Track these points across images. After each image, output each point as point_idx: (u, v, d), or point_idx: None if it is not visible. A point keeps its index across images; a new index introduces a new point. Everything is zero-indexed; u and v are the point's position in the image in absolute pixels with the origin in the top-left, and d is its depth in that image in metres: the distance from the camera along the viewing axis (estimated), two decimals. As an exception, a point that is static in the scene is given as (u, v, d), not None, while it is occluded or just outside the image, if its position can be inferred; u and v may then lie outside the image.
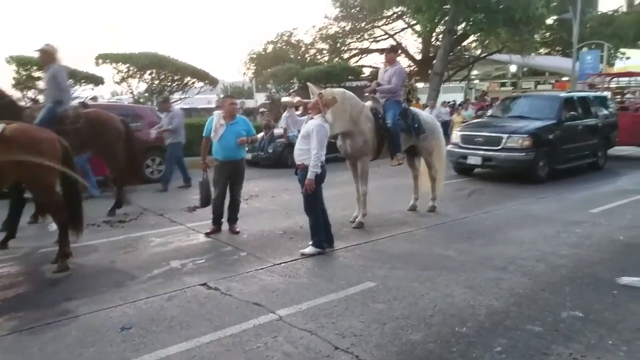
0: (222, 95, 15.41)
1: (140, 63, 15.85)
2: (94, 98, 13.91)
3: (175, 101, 17.28)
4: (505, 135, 10.16)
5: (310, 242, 5.79)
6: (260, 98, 21.47)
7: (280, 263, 5.47)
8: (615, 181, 10.63)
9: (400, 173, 10.17)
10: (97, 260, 5.68)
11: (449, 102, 22.81)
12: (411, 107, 7.88)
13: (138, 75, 16.19)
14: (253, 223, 7.11)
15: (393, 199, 8.46)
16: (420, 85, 27.14)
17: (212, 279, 4.97)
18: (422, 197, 8.01)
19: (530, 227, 6.90)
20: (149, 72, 16.21)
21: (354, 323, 4.00)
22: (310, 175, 5.55)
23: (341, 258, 5.71)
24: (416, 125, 7.54)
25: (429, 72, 24.10)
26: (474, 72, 34.96)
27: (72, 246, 5.50)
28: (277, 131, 13.15)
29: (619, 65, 30.76)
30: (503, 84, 35.46)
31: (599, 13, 38.98)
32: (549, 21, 28.07)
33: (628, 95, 16.60)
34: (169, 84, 16.74)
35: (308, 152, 5.55)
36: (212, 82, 17.87)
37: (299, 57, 27.42)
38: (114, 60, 15.91)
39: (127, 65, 15.96)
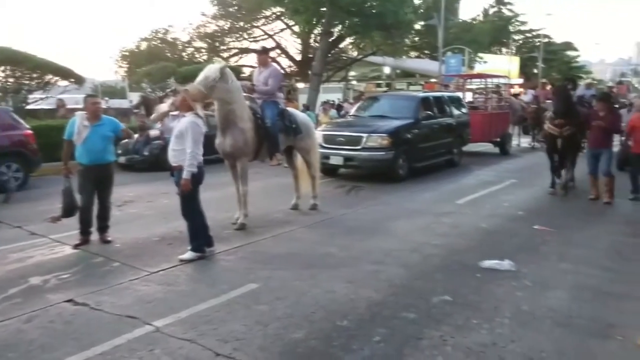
0: (57, 97, 14.33)
1: (-10, 58, 14.15)
2: None
3: (35, 101, 15.73)
4: (365, 135, 10.12)
5: (189, 247, 5.56)
6: (135, 98, 20.26)
7: (158, 271, 5.18)
8: (476, 174, 11.62)
9: (282, 173, 10.22)
10: (-62, 284, 4.93)
11: (328, 101, 23.38)
12: (288, 108, 7.98)
13: (-12, 73, 14.45)
14: (127, 231, 6.67)
15: (275, 199, 8.45)
16: (300, 85, 27.61)
17: (80, 294, 4.55)
18: (303, 196, 8.10)
19: (405, 220, 7.29)
20: (1, 68, 14.52)
21: (236, 327, 3.90)
22: (186, 175, 5.30)
23: (223, 261, 5.56)
24: (294, 126, 7.63)
25: (309, 72, 24.54)
26: (352, 73, 36.30)
27: None
28: (153, 132, 12.49)
29: (479, 68, 33.83)
30: (379, 85, 37.26)
31: (460, 21, 42.65)
32: (418, 27, 30.09)
33: (475, 95, 17.79)
34: (27, 82, 15.11)
35: (183, 152, 5.31)
36: (78, 80, 16.45)
37: (175, 56, 26.42)
38: (-42, 55, 14.04)
39: (-25, 61, 14.17)
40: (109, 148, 6.14)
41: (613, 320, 4.04)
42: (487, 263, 5.31)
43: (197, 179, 5.44)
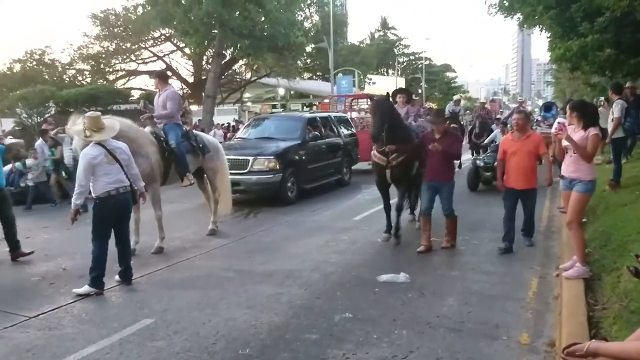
0: None
1: None
2: None
3: None
4: (251, 158, 9.82)
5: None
6: (8, 124, 18.49)
7: (38, 315, 4.70)
8: (370, 191, 11.95)
9: (180, 198, 9.90)
10: None
11: (222, 124, 23.13)
12: (193, 130, 8.03)
13: None
14: (0, 272, 6.01)
15: (171, 226, 8.07)
16: (194, 108, 27.03)
17: (-59, 350, 3.99)
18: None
19: (305, 239, 7.33)
20: None
21: (129, 368, 3.64)
22: (72, 206, 5.22)
23: (114, 297, 5.19)
24: (201, 145, 7.69)
25: (202, 94, 24.15)
26: (247, 94, 36.28)
27: None
28: (30, 162, 11.46)
29: (368, 89, 35.42)
30: (274, 106, 37.61)
31: (348, 44, 44.58)
32: (309, 49, 30.97)
33: (354, 114, 17.79)
34: None
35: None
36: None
37: (55, 78, 24.64)
38: None
39: None
40: None
41: (498, 321, 4.35)
42: (384, 277, 5.47)
43: (100, 209, 5.25)
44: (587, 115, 5.16)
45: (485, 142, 13.01)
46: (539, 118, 16.60)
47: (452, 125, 14.11)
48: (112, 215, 5.33)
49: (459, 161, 14.23)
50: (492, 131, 13.71)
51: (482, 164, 10.82)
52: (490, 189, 10.73)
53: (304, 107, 35.02)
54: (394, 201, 7.13)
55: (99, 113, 5.57)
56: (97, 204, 5.25)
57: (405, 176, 6.93)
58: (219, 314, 4.61)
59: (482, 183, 10.81)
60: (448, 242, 6.66)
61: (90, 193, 5.27)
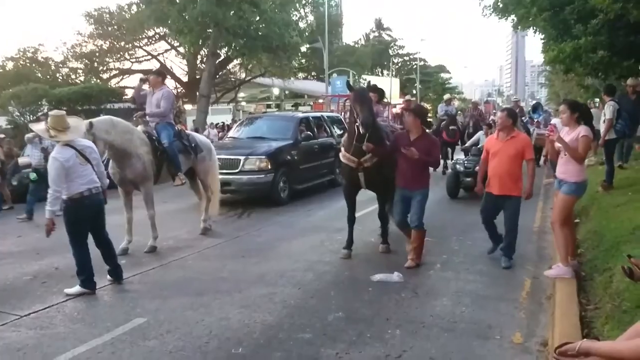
0: None
1: None
2: None
3: None
4: (242, 158, 9.70)
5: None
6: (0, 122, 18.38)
7: (30, 314, 4.67)
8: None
9: (173, 198, 9.86)
10: None
11: (217, 123, 23.10)
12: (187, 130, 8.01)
13: None
14: (-8, 271, 5.96)
15: (164, 226, 8.04)
16: (188, 107, 26.92)
17: None
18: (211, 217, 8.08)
19: (298, 239, 7.32)
20: None
21: (121, 368, 3.62)
22: (46, 214, 4.96)
23: (106, 296, 5.17)
24: (193, 145, 7.68)
25: (197, 94, 24.09)
26: (241, 94, 36.20)
27: None
28: (23, 160, 11.39)
29: (363, 89, 35.34)
30: (269, 106, 37.59)
31: (343, 44, 44.68)
32: (304, 49, 30.96)
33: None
34: None
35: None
36: None
37: (48, 77, 24.48)
38: None
39: None
40: None
41: (491, 321, 4.36)
42: (378, 277, 5.47)
43: (73, 212, 5.05)
44: (578, 111, 5.19)
45: (467, 144, 12.31)
46: (528, 119, 16.60)
47: (451, 128, 14.15)
48: (86, 217, 5.12)
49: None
50: None
51: (462, 169, 10.12)
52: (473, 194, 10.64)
53: (298, 107, 35.03)
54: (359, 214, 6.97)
55: (64, 112, 5.31)
56: (70, 206, 5.01)
57: (382, 180, 6.19)
58: (212, 313, 4.59)
59: (463, 189, 10.21)
60: (412, 260, 5.78)
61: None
